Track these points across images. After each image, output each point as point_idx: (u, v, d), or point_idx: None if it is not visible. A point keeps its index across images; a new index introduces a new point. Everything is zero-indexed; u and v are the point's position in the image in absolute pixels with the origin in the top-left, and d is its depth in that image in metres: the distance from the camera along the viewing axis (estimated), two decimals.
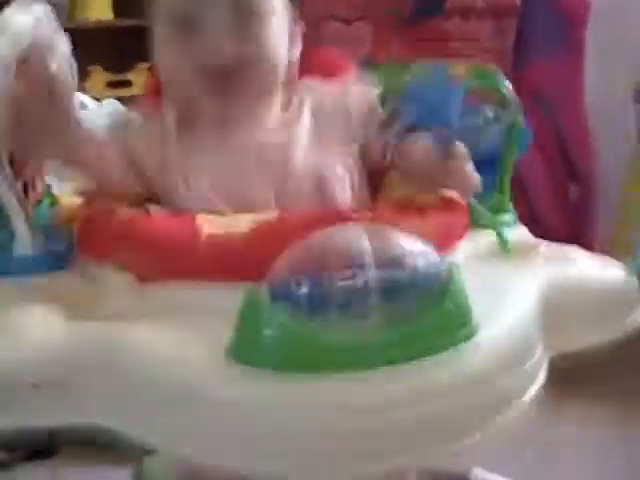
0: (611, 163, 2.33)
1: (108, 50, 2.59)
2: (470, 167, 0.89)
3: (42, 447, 1.66)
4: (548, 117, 2.37)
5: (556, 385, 0.79)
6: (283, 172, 0.92)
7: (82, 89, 2.06)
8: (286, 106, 0.99)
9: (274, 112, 0.98)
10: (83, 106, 1.58)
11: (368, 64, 1.26)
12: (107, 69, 2.46)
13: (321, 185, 0.91)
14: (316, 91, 1.00)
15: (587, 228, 2.37)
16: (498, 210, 1.02)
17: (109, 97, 1.94)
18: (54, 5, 1.14)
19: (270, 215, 0.83)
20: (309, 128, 0.96)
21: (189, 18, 0.94)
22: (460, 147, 0.88)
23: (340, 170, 0.93)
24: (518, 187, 2.32)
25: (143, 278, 0.81)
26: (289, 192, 0.90)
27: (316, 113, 0.98)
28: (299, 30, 1.01)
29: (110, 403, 0.69)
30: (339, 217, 0.79)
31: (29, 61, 0.89)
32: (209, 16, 0.93)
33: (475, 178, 0.89)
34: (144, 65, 2.47)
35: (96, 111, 1.63)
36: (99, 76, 2.44)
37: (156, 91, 1.07)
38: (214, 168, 0.93)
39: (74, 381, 0.70)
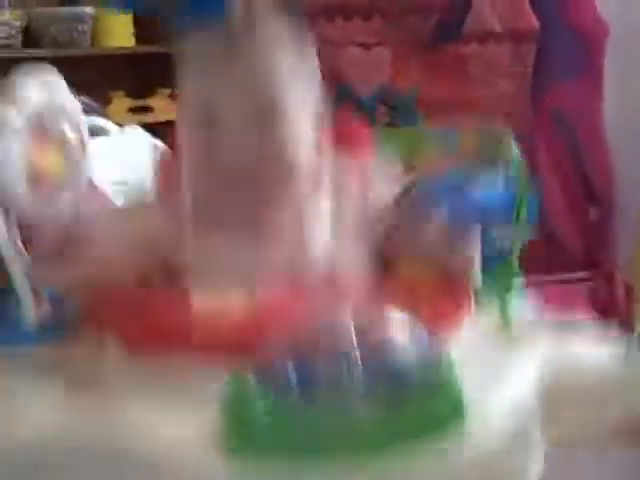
0: (630, 186, 2.33)
1: (130, 76, 2.63)
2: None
3: None
4: (568, 140, 2.37)
5: None
6: (300, 269, 0.92)
7: (104, 114, 2.10)
8: (306, 199, 0.97)
9: (294, 205, 0.97)
10: (105, 132, 1.60)
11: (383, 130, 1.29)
12: (129, 95, 2.49)
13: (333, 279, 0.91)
14: (337, 188, 0.97)
15: (606, 250, 2.36)
16: (505, 283, 1.04)
17: (131, 122, 1.96)
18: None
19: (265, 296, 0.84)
20: (328, 223, 0.95)
21: (208, 119, 0.91)
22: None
23: (353, 266, 0.94)
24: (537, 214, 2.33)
25: (137, 351, 0.82)
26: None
27: (335, 210, 0.96)
28: (325, 126, 0.98)
29: None
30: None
31: (42, 125, 0.91)
32: (228, 116, 0.90)
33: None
34: (165, 91, 2.50)
35: (118, 137, 1.65)
36: (121, 101, 2.47)
37: (171, 175, 1.07)
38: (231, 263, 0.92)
39: (72, 462, 0.72)
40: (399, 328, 0.73)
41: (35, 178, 0.90)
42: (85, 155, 0.99)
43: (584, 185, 2.42)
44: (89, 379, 0.80)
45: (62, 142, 0.94)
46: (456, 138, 1.22)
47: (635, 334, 0.94)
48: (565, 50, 2.32)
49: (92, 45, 2.51)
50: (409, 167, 1.24)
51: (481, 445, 0.71)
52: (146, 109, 2.50)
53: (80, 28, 2.45)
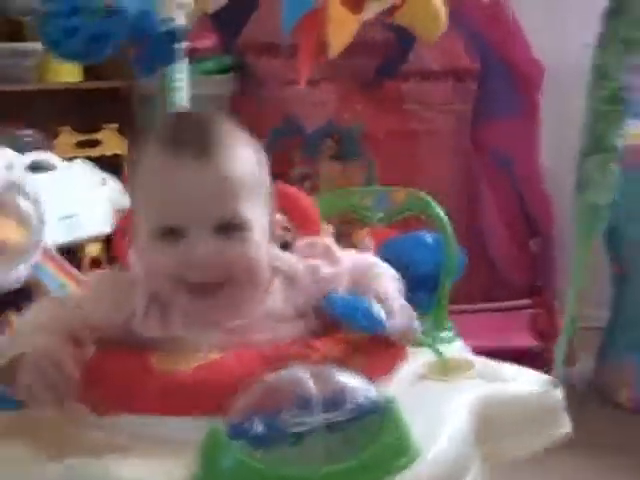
0: (570, 218, 2.40)
1: (77, 111, 2.62)
2: (410, 333, 0.94)
3: None
4: (508, 175, 2.44)
5: (571, 455, 0.84)
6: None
7: (51, 148, 2.10)
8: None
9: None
10: (52, 166, 1.61)
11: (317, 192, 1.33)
12: (76, 129, 2.49)
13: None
14: (284, 272, 1.00)
15: (546, 280, 2.42)
16: (437, 327, 1.09)
17: (78, 156, 1.97)
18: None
19: (216, 355, 0.87)
20: (275, 307, 0.97)
21: (174, 229, 0.92)
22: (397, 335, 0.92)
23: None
24: (479, 244, 2.39)
25: (100, 411, 0.85)
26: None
27: (284, 291, 0.99)
28: (275, 218, 1.01)
29: None
30: (278, 357, 0.85)
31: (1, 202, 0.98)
32: (193, 231, 0.91)
33: (413, 334, 0.94)
34: (112, 126, 2.51)
35: (65, 172, 1.66)
36: (68, 136, 2.47)
37: (124, 234, 1.08)
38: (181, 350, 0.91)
39: None
40: (348, 377, 0.78)
41: None
42: (42, 225, 1.06)
43: (525, 218, 2.48)
44: (61, 440, 0.83)
45: (20, 215, 1.02)
46: (386, 195, 1.27)
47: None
48: (504, 87, 2.40)
49: (39, 80, 2.51)
50: (346, 226, 1.29)
51: (426, 476, 0.76)
52: (93, 143, 2.50)
53: (26, 63, 2.45)
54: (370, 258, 1.07)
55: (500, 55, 2.38)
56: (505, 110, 2.39)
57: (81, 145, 2.47)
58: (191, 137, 0.94)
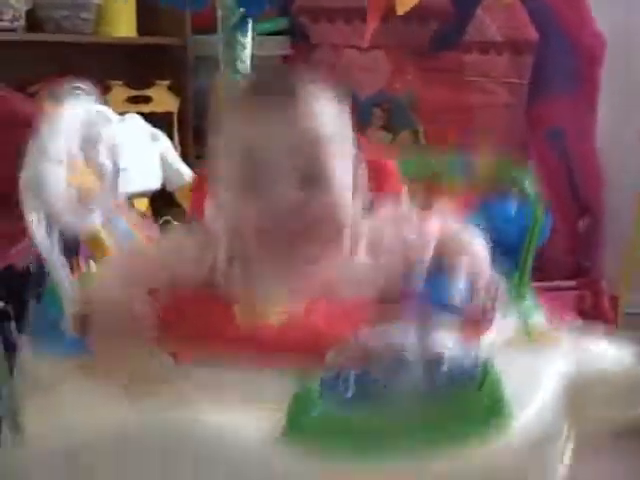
0: (619, 199, 2.36)
1: (130, 66, 2.63)
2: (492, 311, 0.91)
3: None
4: (560, 152, 2.40)
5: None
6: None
7: (104, 102, 2.11)
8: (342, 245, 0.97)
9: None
10: (107, 120, 1.61)
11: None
12: (128, 84, 2.50)
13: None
14: (371, 233, 0.99)
15: (593, 261, 2.39)
16: (520, 297, 1.06)
17: (129, 112, 1.97)
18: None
19: (300, 311, 0.87)
20: (358, 273, 0.96)
21: (258, 180, 0.92)
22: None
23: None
24: None
25: (180, 359, 0.85)
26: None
27: (368, 258, 0.97)
28: (362, 174, 0.99)
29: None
30: (363, 316, 0.84)
31: (84, 151, 1.00)
32: (278, 181, 0.91)
33: (494, 311, 0.91)
34: (164, 82, 2.51)
35: (118, 125, 1.66)
36: (120, 91, 2.48)
37: (203, 194, 1.07)
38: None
39: (135, 460, 0.75)
40: (446, 338, 0.76)
41: (75, 197, 0.99)
42: (117, 177, 1.08)
43: (574, 197, 2.45)
44: (146, 384, 0.82)
45: (98, 166, 1.04)
46: (474, 164, 1.22)
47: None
48: (563, 62, 2.35)
49: (95, 33, 2.52)
50: (429, 193, 1.24)
51: (518, 439, 0.75)
52: (144, 99, 2.50)
53: (84, 15, 2.45)
54: (458, 225, 1.03)
55: (563, 27, 2.33)
56: (564, 84, 2.34)
57: (132, 101, 2.48)
58: (277, 89, 0.95)
